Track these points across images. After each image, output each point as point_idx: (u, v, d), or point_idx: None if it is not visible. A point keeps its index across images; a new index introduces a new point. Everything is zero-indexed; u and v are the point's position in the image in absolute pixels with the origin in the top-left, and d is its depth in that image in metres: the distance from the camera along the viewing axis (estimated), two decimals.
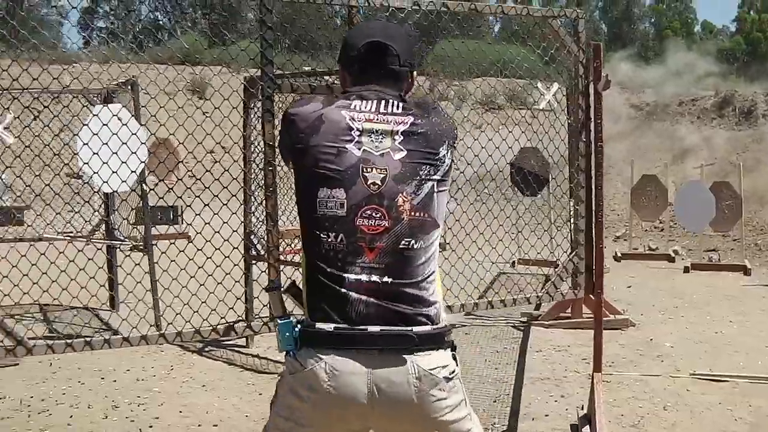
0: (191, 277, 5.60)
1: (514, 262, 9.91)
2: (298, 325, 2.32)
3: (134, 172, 6.01)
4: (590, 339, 5.22)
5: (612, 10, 54.06)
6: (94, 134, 5.67)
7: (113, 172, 5.74)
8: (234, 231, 5.95)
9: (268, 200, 4.24)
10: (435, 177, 2.36)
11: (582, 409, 5.07)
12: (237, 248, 6.23)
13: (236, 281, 6.21)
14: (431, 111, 2.46)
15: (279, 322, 2.34)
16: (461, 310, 5.22)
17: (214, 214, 4.82)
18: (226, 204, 5.95)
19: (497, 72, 8.37)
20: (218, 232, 5.56)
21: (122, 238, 7.89)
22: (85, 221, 8.61)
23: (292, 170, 2.44)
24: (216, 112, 5.82)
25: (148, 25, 58.69)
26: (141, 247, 7.27)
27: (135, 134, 5.51)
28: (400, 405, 2.26)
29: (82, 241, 7.64)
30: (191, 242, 7.45)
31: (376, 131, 2.35)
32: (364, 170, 2.31)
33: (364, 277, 2.28)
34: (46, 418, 5.42)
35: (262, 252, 7.05)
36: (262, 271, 6.39)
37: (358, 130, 2.34)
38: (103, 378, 6.23)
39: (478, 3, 4.57)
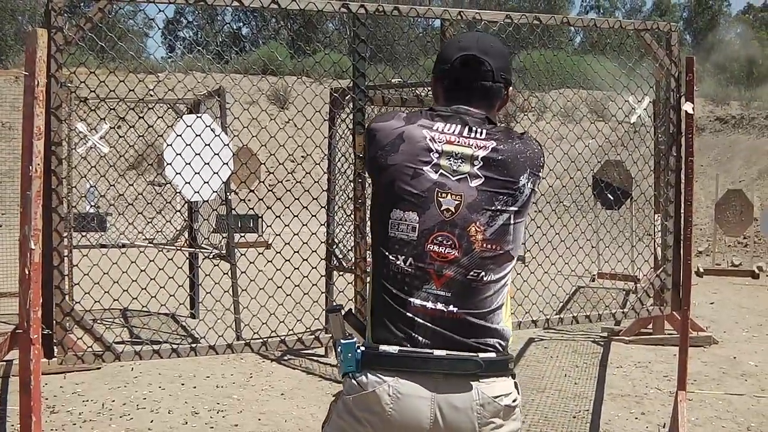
0: (274, 285, 5.63)
1: (593, 276, 9.77)
2: (361, 347, 2.25)
3: (219, 179, 6.06)
4: (672, 356, 5.11)
5: (697, 21, 53.11)
6: (180, 139, 5.75)
7: (205, 182, 5.81)
8: (311, 239, 5.98)
9: (357, 212, 4.21)
10: (512, 208, 2.26)
11: (663, 427, 4.95)
12: (318, 257, 6.25)
13: (314, 288, 6.22)
14: (516, 137, 2.35)
15: (342, 342, 2.26)
16: (546, 324, 5.12)
17: (297, 221, 4.82)
18: (310, 211, 5.97)
19: (577, 83, 8.26)
20: (304, 241, 5.59)
21: (205, 245, 7.99)
22: (159, 229, 8.74)
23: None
24: (297, 122, 5.85)
25: (230, 35, 59.87)
26: (224, 255, 7.34)
27: (226, 144, 5.53)
28: (463, 430, 2.19)
29: (165, 247, 7.75)
30: (269, 247, 7.54)
31: (456, 154, 2.27)
32: (439, 195, 2.24)
33: (429, 304, 2.21)
34: (128, 422, 5.50)
35: (344, 262, 7.08)
36: (348, 283, 6.41)
37: (437, 152, 2.27)
38: (183, 384, 6.31)
39: (569, 16, 4.52)
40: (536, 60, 6.66)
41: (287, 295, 4.40)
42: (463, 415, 2.18)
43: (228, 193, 6.96)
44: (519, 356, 7.28)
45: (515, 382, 2.31)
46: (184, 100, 7.69)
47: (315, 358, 7.17)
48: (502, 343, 2.26)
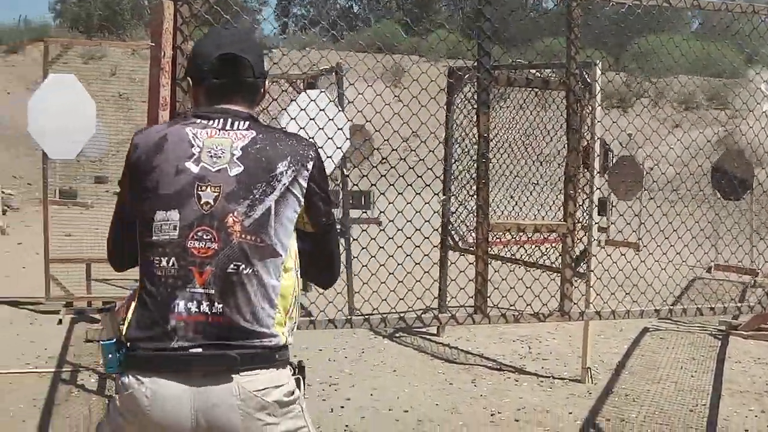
0: (388, 262, 5.63)
1: (710, 267, 9.44)
2: (122, 348, 2.14)
3: (331, 157, 6.08)
4: None
5: None
6: (299, 114, 5.78)
7: (328, 157, 5.85)
8: (426, 221, 5.95)
9: (480, 192, 4.14)
10: (271, 197, 2.17)
11: None
12: (428, 238, 6.22)
13: (429, 267, 6.20)
14: (281, 132, 2.35)
15: (102, 342, 2.17)
16: (668, 314, 4.96)
17: (413, 200, 4.78)
18: (432, 189, 5.94)
19: (696, 70, 7.94)
20: (410, 221, 5.55)
21: None
22: None
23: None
24: (412, 101, 5.79)
25: (342, 13, 60.21)
26: (340, 230, 7.39)
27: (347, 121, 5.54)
28: (224, 427, 2.09)
29: None
30: (379, 224, 7.53)
31: (216, 146, 2.20)
32: (199, 188, 2.15)
33: (193, 306, 2.11)
34: None
35: (459, 242, 7.02)
36: (470, 263, 6.36)
37: (198, 146, 2.20)
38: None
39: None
40: (651, 44, 6.41)
41: (408, 273, 4.35)
42: (224, 413, 2.08)
43: (344, 169, 6.97)
44: (634, 345, 7.09)
45: (298, 378, 2.24)
46: (299, 76, 7.73)
47: (427, 336, 7.15)
48: (272, 332, 2.13)
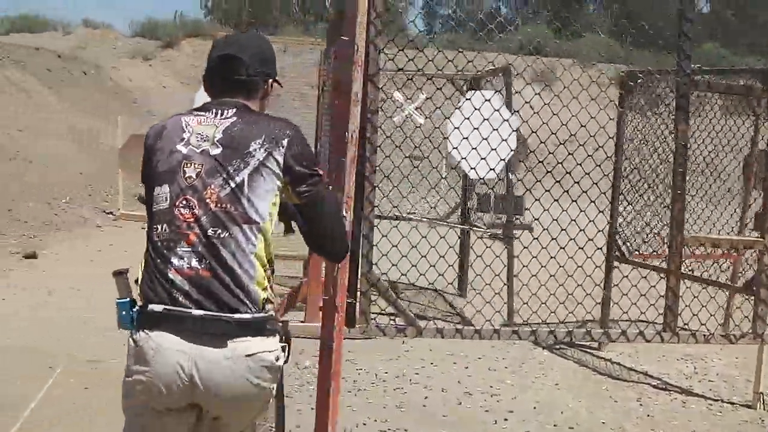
0: (547, 271, 5.40)
1: None
2: (136, 306, 2.48)
3: (502, 158, 5.89)
4: None
5: None
6: (470, 114, 5.62)
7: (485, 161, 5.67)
8: (581, 230, 5.66)
9: (675, 203, 3.87)
10: (245, 172, 2.49)
11: None
12: (582, 248, 5.94)
13: (589, 279, 5.93)
14: (264, 117, 2.65)
15: (117, 300, 2.50)
16: None
17: (573, 208, 4.53)
18: (589, 197, 5.68)
19: None
20: (564, 229, 5.28)
21: (480, 225, 7.88)
22: (433, 205, 8.67)
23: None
24: (566, 105, 5.54)
25: (490, 15, 59.66)
26: (499, 235, 7.20)
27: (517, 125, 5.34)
28: (218, 384, 2.40)
29: (438, 223, 7.71)
30: (531, 231, 7.30)
31: (202, 132, 2.56)
32: (185, 165, 2.51)
33: (185, 264, 2.44)
34: (402, 396, 5.49)
35: (627, 254, 6.70)
36: (625, 276, 6.05)
37: (188, 132, 2.56)
38: (454, 363, 6.23)
39: None
40: None
41: (559, 284, 4.11)
42: (217, 369, 2.38)
43: (509, 173, 6.77)
44: None
45: (284, 345, 2.54)
46: (462, 76, 7.57)
47: (588, 350, 6.86)
48: (254, 304, 2.43)
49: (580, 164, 5.22)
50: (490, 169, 5.95)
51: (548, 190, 5.34)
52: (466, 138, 5.47)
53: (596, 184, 4.93)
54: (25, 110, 13.85)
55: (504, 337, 3.94)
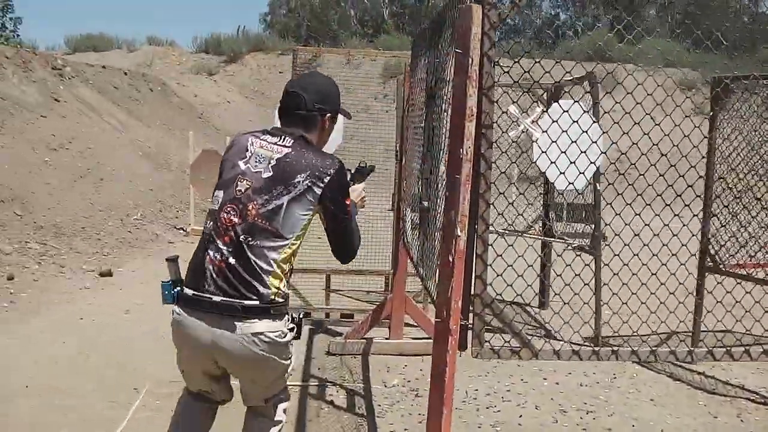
0: (638, 281, 5.23)
1: None
2: (177, 287, 3.18)
3: (591, 169, 5.73)
4: None
5: None
6: (556, 125, 5.49)
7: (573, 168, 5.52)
8: (655, 234, 5.47)
9: None
10: (286, 197, 3.08)
11: None
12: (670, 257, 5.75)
13: (681, 289, 5.73)
14: (313, 151, 3.19)
15: (162, 281, 3.21)
16: None
17: (636, 214, 4.35)
18: (686, 204, 5.50)
19: None
20: (637, 235, 5.10)
21: (563, 237, 7.72)
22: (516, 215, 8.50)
23: None
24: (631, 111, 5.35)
25: (548, 21, 59.26)
26: (586, 246, 7.03)
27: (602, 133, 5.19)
28: (230, 351, 3.08)
29: (522, 235, 7.56)
30: (605, 239, 7.12)
31: (261, 155, 3.15)
32: (239, 180, 3.13)
33: (217, 256, 3.07)
34: (495, 414, 5.37)
35: (723, 264, 6.49)
36: (718, 283, 5.84)
37: (251, 152, 3.17)
38: (545, 378, 6.08)
39: None
40: None
41: (651, 293, 3.93)
42: (230, 343, 3.06)
43: (597, 183, 6.60)
44: None
45: (293, 327, 3.22)
46: (543, 86, 7.41)
47: (679, 363, 6.63)
48: (265, 295, 3.04)
49: (662, 175, 5.04)
50: (580, 173, 5.82)
51: (629, 204, 5.19)
52: (554, 142, 5.34)
53: (680, 196, 4.74)
54: (93, 128, 14.01)
55: (584, 357, 3.74)
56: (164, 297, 3.20)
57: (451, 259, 3.10)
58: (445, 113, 4.75)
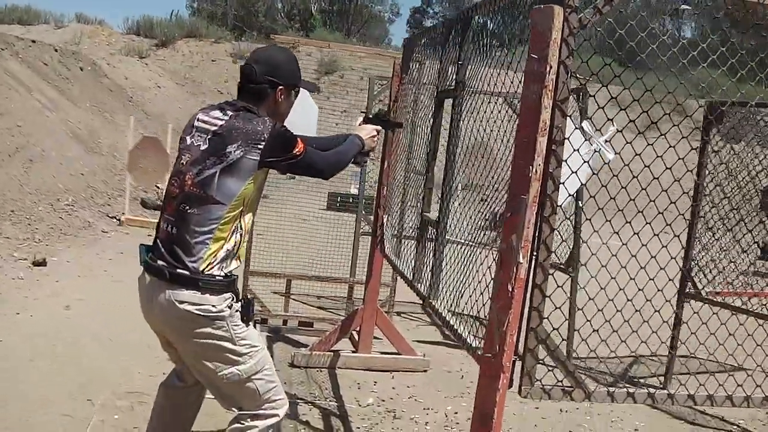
0: (613, 305, 4.99)
1: None
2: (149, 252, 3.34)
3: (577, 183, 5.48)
4: None
5: None
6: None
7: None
8: (632, 256, 5.26)
9: None
10: (219, 166, 3.16)
11: None
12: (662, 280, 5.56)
13: (657, 315, 5.54)
14: (246, 119, 3.23)
15: (141, 245, 3.41)
16: None
17: (614, 232, 4.14)
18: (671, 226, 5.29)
19: None
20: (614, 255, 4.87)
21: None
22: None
23: None
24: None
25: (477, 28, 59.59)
26: (561, 266, 6.78)
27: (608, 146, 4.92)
28: (161, 318, 3.25)
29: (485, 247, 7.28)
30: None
31: (202, 128, 3.28)
32: (183, 154, 3.30)
33: (164, 226, 3.28)
34: None
35: (704, 291, 6.33)
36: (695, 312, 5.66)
37: (195, 127, 3.31)
38: (524, 404, 5.79)
39: None
40: None
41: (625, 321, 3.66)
42: (159, 306, 3.20)
43: (580, 200, 6.35)
44: None
45: (230, 304, 3.21)
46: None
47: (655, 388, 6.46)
48: (195, 265, 3.16)
49: (653, 201, 4.82)
50: (569, 195, 5.57)
51: (609, 220, 4.93)
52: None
53: (661, 213, 4.51)
54: (24, 104, 13.22)
55: (598, 399, 3.45)
56: (140, 259, 3.36)
57: (510, 289, 2.77)
58: (463, 121, 4.47)
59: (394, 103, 5.85)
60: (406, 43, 5.74)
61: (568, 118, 2.87)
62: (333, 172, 3.60)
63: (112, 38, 25.66)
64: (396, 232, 5.58)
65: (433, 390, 5.90)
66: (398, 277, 7.36)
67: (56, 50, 17.16)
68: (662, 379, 6.53)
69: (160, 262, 3.23)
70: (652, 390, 3.25)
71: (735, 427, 5.84)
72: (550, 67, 2.69)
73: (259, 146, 3.18)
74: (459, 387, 6.02)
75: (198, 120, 3.32)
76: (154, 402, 3.67)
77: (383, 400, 5.55)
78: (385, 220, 5.81)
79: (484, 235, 5.57)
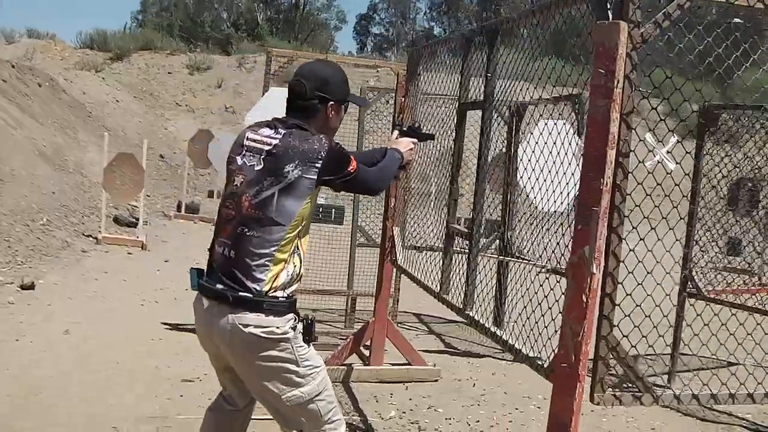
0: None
1: None
2: (202, 275, 3.30)
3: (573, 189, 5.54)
4: None
5: None
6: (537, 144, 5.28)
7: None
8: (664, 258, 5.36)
9: None
10: (276, 187, 3.12)
11: None
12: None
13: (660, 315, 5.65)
14: (301, 137, 3.18)
15: (191, 267, 3.36)
16: None
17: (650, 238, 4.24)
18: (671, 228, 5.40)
19: None
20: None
21: (523, 256, 7.53)
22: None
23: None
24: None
25: (424, 34, 60.05)
26: (560, 270, 6.84)
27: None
28: (223, 343, 3.18)
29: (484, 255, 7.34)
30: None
31: (254, 148, 3.23)
32: (236, 174, 3.24)
33: (219, 249, 3.23)
34: None
35: (703, 288, 6.46)
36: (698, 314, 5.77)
37: (246, 146, 3.26)
38: (539, 407, 5.86)
39: None
40: None
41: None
42: (221, 331, 3.14)
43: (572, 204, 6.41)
44: None
45: (294, 326, 3.17)
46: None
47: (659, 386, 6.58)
48: (257, 288, 3.10)
49: (658, 206, 4.91)
50: (561, 202, 5.62)
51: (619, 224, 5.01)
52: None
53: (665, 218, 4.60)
54: None
55: (665, 401, 3.52)
56: (191, 283, 3.33)
57: (584, 300, 2.82)
58: (496, 132, 4.51)
59: (400, 114, 5.89)
60: (412, 55, 5.78)
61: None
62: (382, 188, 3.65)
63: (66, 52, 25.29)
64: (411, 242, 5.61)
65: (449, 399, 5.93)
66: (400, 287, 7.39)
67: (13, 66, 16.87)
68: (665, 377, 6.66)
69: (219, 286, 3.16)
70: (694, 391, 3.31)
71: (744, 421, 5.96)
72: (618, 82, 2.74)
73: (317, 165, 3.14)
74: (473, 395, 6.05)
75: (247, 139, 3.27)
76: (201, 428, 3.59)
77: (404, 412, 5.57)
78: (395, 231, 5.83)
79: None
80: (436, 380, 6.35)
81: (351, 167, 3.28)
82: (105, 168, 11.51)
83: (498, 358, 7.18)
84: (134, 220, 12.97)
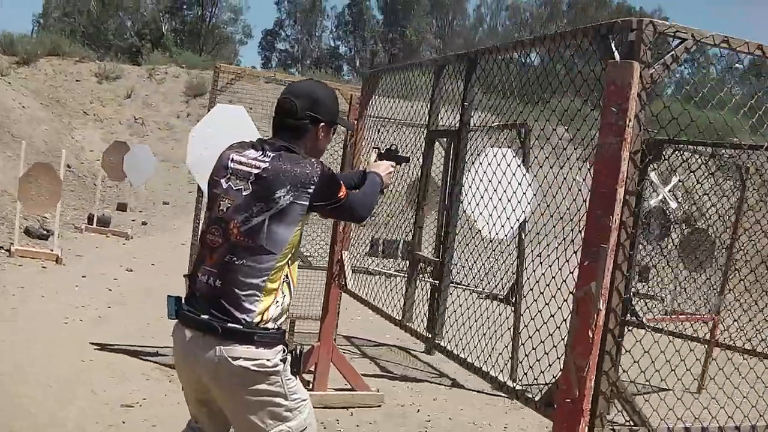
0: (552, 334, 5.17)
1: None
2: (180, 304, 3.13)
3: (518, 217, 5.59)
4: None
5: None
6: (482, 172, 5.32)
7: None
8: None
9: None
10: (267, 213, 2.98)
11: None
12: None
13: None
14: (291, 161, 3.04)
15: (168, 295, 3.16)
16: None
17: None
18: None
19: None
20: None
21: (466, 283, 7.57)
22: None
23: None
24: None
25: (329, 52, 60.22)
26: (500, 296, 6.91)
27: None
28: (208, 375, 3.01)
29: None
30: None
31: (240, 171, 3.07)
32: (221, 199, 3.08)
33: (204, 277, 3.05)
34: None
35: (642, 317, 6.59)
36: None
37: (231, 169, 3.10)
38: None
39: None
40: None
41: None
42: (208, 364, 2.97)
43: (523, 234, 6.50)
44: None
45: (283, 358, 3.04)
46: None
47: None
48: (248, 319, 2.96)
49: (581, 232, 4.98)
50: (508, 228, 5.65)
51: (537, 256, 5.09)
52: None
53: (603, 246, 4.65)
54: None
55: None
56: (168, 311, 3.17)
57: (590, 335, 2.83)
58: (474, 164, 4.52)
59: (351, 137, 5.84)
60: (369, 77, 5.75)
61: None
62: (367, 215, 3.46)
63: None
64: (362, 267, 5.57)
65: (396, 426, 5.90)
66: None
67: None
68: None
69: (205, 317, 2.99)
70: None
71: None
72: (629, 120, 2.78)
73: (309, 190, 3.01)
74: (418, 421, 6.03)
75: (232, 161, 3.10)
76: None
77: None
78: (344, 255, 5.78)
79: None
80: (380, 406, 6.30)
81: (341, 193, 3.18)
82: (20, 178, 11.08)
83: (436, 383, 7.19)
84: (45, 232, 12.51)
